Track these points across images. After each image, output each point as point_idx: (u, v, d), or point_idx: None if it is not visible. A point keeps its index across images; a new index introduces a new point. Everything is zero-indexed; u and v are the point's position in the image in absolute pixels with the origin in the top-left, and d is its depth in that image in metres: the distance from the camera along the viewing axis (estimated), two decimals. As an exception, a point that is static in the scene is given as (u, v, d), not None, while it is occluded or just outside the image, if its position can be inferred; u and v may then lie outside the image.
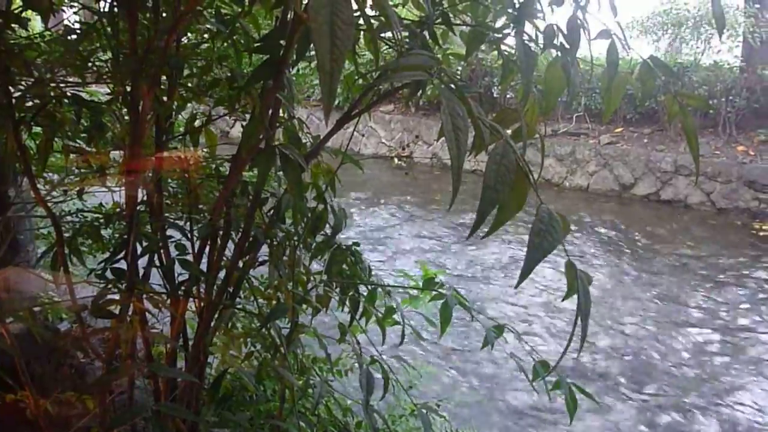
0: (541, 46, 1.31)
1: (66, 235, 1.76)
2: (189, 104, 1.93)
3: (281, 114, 1.65)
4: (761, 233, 9.11)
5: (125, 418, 1.16)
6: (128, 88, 1.54)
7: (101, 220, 1.80)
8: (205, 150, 1.88)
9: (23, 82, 1.68)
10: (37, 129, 1.79)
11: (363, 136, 14.36)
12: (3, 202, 2.57)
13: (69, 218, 2.48)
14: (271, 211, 1.64)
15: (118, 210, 1.77)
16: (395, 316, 1.94)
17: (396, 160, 13.48)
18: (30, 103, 1.70)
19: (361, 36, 1.85)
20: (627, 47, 1.18)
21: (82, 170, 2.00)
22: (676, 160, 10.57)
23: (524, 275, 0.85)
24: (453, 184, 0.78)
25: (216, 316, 1.54)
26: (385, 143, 14.15)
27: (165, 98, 1.68)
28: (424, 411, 1.54)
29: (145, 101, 1.41)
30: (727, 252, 8.21)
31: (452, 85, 0.88)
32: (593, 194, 11.18)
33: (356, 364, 2.87)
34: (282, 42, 1.37)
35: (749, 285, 7.03)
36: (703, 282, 7.08)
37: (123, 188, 1.73)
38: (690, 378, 4.90)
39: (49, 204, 2.52)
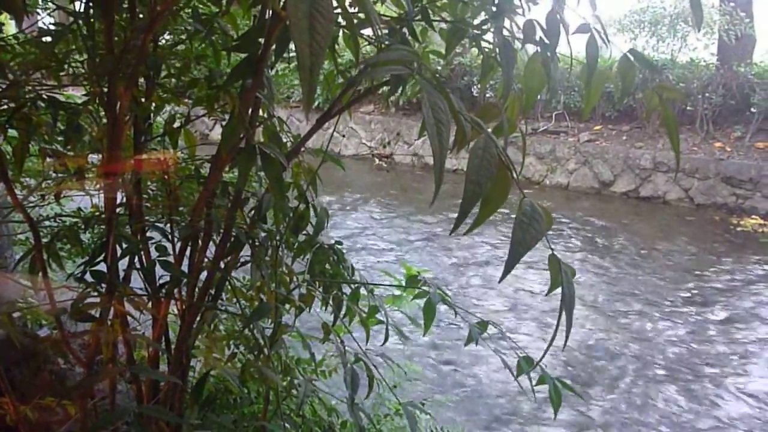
0: (521, 41, 1.32)
1: (44, 240, 1.73)
2: (167, 106, 1.91)
3: (261, 113, 1.64)
4: (738, 228, 9.22)
5: (107, 422, 1.14)
6: (105, 89, 1.52)
7: (80, 224, 1.78)
8: (183, 151, 1.87)
9: (-2, 84, 1.65)
10: (13, 133, 1.77)
11: (343, 137, 14.35)
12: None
13: (47, 223, 2.45)
14: (252, 212, 1.63)
15: (97, 213, 1.74)
16: (379, 316, 1.94)
17: (377, 160, 13.48)
18: (5, 107, 1.68)
19: (341, 34, 1.84)
20: (606, 41, 1.18)
21: (60, 174, 1.98)
22: (654, 157, 10.67)
23: (508, 269, 0.85)
24: (435, 177, 0.78)
25: (198, 318, 1.53)
26: (365, 144, 14.15)
27: (143, 99, 1.66)
28: (410, 408, 1.54)
29: (123, 101, 1.39)
30: (705, 247, 8.30)
31: (433, 80, 0.87)
32: (573, 192, 11.26)
33: (340, 365, 2.87)
34: (260, 40, 1.36)
35: (725, 279, 7.10)
36: (681, 277, 7.15)
37: (101, 191, 1.71)
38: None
39: (27, 209, 2.48)
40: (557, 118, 12.19)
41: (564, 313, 0.89)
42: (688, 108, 11.03)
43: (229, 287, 1.81)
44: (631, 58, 1.13)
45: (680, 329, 5.74)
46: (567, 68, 10.80)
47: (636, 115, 11.60)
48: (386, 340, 1.86)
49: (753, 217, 9.61)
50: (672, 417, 4.33)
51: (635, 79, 1.16)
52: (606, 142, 11.46)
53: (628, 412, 4.38)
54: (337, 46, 1.92)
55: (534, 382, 1.67)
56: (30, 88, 1.69)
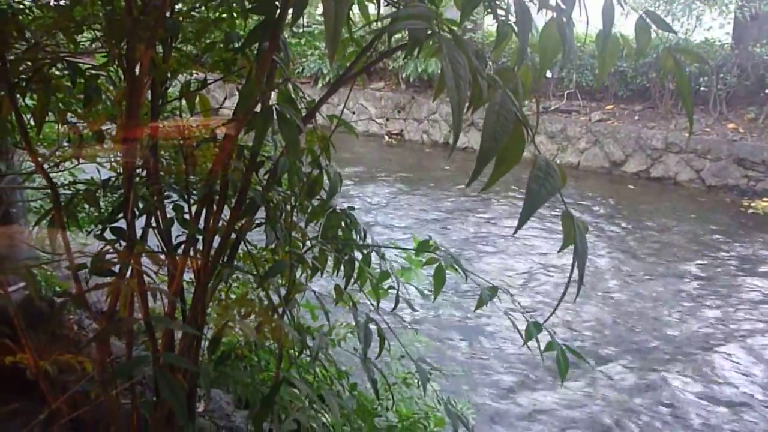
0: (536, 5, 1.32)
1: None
2: (181, 76, 1.93)
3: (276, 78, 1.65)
4: (750, 211, 9.18)
5: (128, 369, 1.17)
6: (123, 51, 1.54)
7: (98, 188, 1.81)
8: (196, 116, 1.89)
9: (17, 46, 1.67)
10: (30, 102, 1.79)
11: (353, 113, 14.32)
12: (-7, 176, 2.57)
13: (61, 191, 2.47)
14: (267, 174, 1.66)
15: (115, 175, 1.77)
16: (390, 281, 1.96)
17: (387, 137, 13.49)
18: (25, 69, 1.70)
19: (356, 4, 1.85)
20: (623, 4, 1.19)
21: (76, 141, 2.01)
22: (666, 138, 10.61)
23: (522, 221, 0.87)
24: (453, 129, 0.80)
25: (213, 278, 1.56)
26: (375, 121, 14.13)
27: (161, 63, 1.67)
28: (421, 364, 1.57)
29: (144, 62, 1.41)
30: (715, 229, 8.28)
31: (452, 36, 0.89)
32: (584, 171, 11.23)
33: (349, 334, 2.90)
34: (277, 2, 1.37)
35: (732, 262, 7.10)
36: (689, 259, 7.15)
37: (119, 154, 1.74)
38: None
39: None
40: (569, 97, 12.13)
41: (576, 266, 0.91)
42: (702, 88, 10.94)
43: (242, 254, 1.84)
44: (647, 20, 1.14)
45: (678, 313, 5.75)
46: (580, 47, 10.72)
47: (649, 95, 11.52)
48: (396, 305, 1.89)
49: (765, 199, 9.56)
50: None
51: (650, 43, 1.17)
52: (618, 122, 11.40)
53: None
54: (351, 14, 1.93)
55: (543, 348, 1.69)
56: (49, 50, 1.71)
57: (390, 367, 3.16)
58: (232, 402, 2.24)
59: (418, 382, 3.31)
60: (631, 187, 10.45)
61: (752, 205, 9.40)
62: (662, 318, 5.55)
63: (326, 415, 1.92)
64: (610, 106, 11.82)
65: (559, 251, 0.98)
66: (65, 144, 2.07)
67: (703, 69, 10.63)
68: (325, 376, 2.23)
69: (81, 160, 2.08)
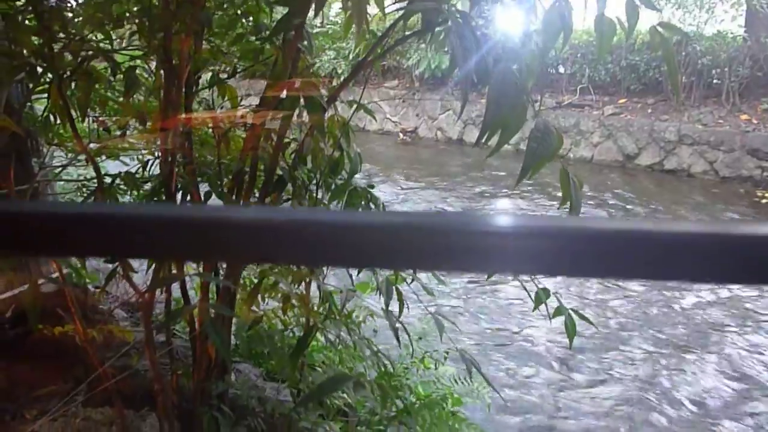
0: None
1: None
2: (209, 68, 2.07)
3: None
4: (764, 201, 9.19)
5: (174, 317, 1.30)
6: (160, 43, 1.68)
7: (137, 172, 1.96)
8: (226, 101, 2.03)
9: (62, 41, 1.82)
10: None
11: (368, 111, 14.41)
12: (29, 171, 2.74)
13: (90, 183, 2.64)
14: (294, 155, 1.79)
15: (152, 158, 1.91)
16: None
17: (401, 135, 13.60)
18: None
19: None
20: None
21: (104, 136, 2.17)
22: (679, 130, 10.64)
23: (522, 176, 0.99)
24: (461, 100, 0.93)
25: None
26: (390, 119, 14.24)
27: (194, 54, 1.81)
28: (438, 317, 1.69)
29: (184, 48, 1.55)
30: (728, 219, 8.32)
31: (460, 17, 1.01)
32: (598, 165, 11.27)
33: (369, 317, 3.02)
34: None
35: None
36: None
37: (160, 140, 1.88)
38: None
39: (71, 170, 2.68)
40: (581, 92, 12.16)
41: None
42: (715, 81, 10.96)
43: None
44: (635, 0, 1.26)
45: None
46: (591, 41, 10.75)
47: (661, 88, 11.54)
48: (413, 279, 2.01)
49: (779, 190, 9.59)
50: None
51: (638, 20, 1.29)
52: (631, 115, 11.44)
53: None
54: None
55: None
56: (91, 44, 1.86)
57: (408, 348, 3.28)
58: (261, 375, 2.39)
59: (436, 363, 3.43)
60: (644, 179, 10.49)
61: (766, 195, 9.41)
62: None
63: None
64: (623, 100, 11.86)
65: (559, 207, 1.10)
66: (91, 144, 2.22)
67: (716, 61, 10.66)
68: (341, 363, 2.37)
69: (104, 156, 2.23)
